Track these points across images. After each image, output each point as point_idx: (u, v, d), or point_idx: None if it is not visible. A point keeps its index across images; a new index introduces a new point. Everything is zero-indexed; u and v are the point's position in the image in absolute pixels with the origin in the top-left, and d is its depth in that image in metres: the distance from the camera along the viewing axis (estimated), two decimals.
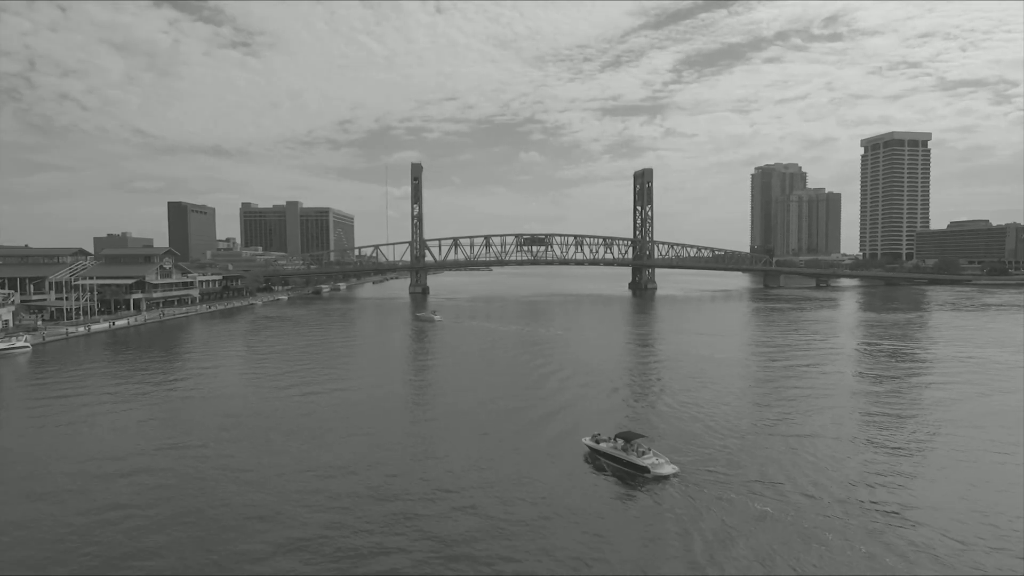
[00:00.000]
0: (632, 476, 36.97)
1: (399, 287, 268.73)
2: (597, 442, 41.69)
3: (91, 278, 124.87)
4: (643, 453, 38.42)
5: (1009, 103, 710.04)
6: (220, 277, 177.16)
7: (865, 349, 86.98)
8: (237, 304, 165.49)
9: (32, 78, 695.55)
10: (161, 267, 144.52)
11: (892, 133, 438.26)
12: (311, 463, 39.20)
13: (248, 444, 43.50)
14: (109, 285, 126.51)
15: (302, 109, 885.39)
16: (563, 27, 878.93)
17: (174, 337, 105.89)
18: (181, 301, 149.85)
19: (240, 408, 53.73)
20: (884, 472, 37.31)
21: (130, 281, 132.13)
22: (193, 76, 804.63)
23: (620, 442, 40.15)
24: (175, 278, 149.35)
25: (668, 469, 37.01)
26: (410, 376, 71.12)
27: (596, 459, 40.32)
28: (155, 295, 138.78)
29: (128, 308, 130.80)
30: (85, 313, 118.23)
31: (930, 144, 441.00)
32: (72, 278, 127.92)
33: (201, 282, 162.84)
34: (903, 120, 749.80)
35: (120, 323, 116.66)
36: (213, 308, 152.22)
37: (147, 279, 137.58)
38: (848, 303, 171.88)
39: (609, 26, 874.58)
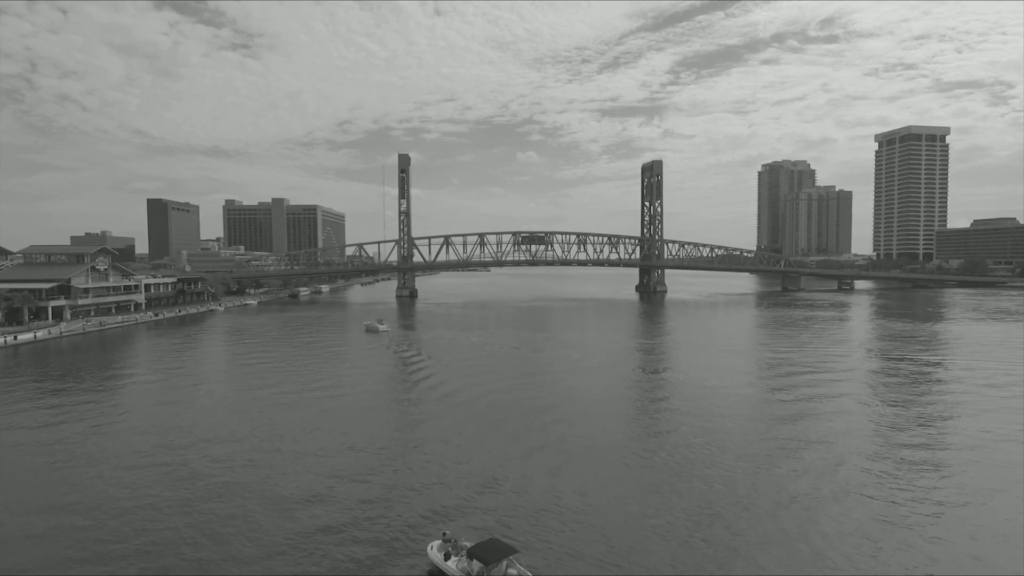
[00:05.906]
0: None
1: (388, 289, 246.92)
2: (447, 555, 24.89)
3: None
4: None
5: (1005, 104, 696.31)
6: (175, 280, 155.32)
7: (969, 379, 65.68)
8: (193, 311, 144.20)
9: (33, 79, 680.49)
10: (94, 268, 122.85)
11: (909, 127, 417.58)
12: None
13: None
14: (20, 290, 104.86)
15: (301, 110, 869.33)
16: (561, 29, 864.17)
17: (77, 359, 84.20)
18: (122, 308, 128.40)
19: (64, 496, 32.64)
20: None
21: (48, 286, 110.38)
22: (192, 77, 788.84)
23: (476, 564, 23.76)
24: (112, 281, 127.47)
25: None
26: (325, 432, 49.72)
27: None
28: (83, 301, 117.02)
29: (49, 318, 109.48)
30: None
31: (948, 139, 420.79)
32: None
33: (148, 286, 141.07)
34: (900, 121, 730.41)
35: (26, 337, 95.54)
36: (160, 316, 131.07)
37: (73, 283, 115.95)
38: (893, 309, 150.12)
39: (607, 28, 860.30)
